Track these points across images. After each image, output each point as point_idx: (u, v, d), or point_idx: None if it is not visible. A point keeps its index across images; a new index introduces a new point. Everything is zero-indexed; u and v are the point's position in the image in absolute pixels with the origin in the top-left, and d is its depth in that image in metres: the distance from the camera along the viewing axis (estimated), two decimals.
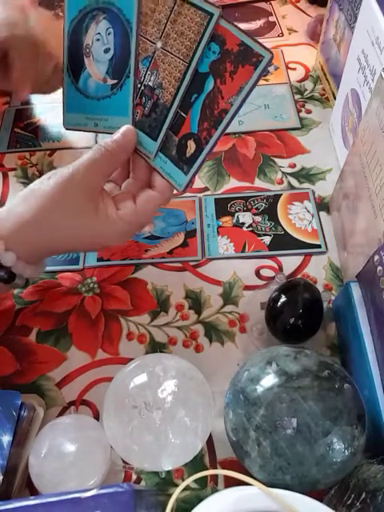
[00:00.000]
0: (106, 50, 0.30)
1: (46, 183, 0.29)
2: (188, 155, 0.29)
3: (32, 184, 0.30)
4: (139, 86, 0.30)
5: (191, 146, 0.28)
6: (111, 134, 0.31)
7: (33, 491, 0.29)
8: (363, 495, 0.24)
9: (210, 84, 0.27)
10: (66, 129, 0.34)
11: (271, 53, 0.24)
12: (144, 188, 0.31)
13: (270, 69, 0.51)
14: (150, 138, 0.30)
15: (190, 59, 0.27)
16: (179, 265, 0.38)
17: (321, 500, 0.23)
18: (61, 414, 0.32)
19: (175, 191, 0.31)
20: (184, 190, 0.30)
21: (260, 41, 0.25)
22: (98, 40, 0.30)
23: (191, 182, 0.29)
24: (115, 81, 0.31)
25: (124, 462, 0.29)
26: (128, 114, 0.31)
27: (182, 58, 0.27)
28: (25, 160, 0.46)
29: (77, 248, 0.34)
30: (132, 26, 0.29)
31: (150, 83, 0.29)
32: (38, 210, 0.28)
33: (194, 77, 0.27)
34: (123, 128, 0.30)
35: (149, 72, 0.29)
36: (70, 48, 0.31)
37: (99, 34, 0.30)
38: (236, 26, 0.25)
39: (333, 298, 0.34)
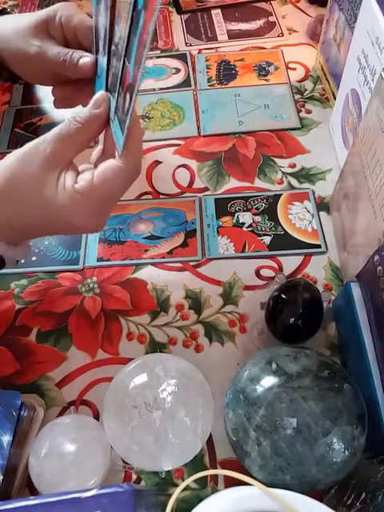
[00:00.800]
0: (103, 27, 0.28)
1: (10, 157, 0.28)
2: (125, 110, 0.25)
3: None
4: (112, 46, 0.26)
5: (127, 98, 0.24)
6: None
7: (33, 491, 0.29)
8: (363, 495, 0.24)
9: (141, 19, 0.22)
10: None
11: None
12: None
13: (270, 69, 0.51)
14: (114, 99, 0.27)
15: None
16: (179, 265, 0.38)
17: (321, 500, 0.23)
18: (61, 414, 0.32)
19: (117, 155, 0.27)
20: (121, 152, 0.26)
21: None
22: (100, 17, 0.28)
23: (126, 140, 0.26)
24: (103, 52, 0.28)
25: (124, 461, 0.29)
26: (102, 85, 0.28)
27: None
28: None
29: (45, 228, 0.30)
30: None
31: (116, 39, 0.26)
32: (3, 183, 0.27)
33: (134, 15, 0.23)
34: (95, 96, 0.28)
35: (116, 27, 0.26)
36: (95, 27, 0.30)
37: (100, 11, 0.28)
38: None
39: (333, 297, 0.34)
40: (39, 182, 0.27)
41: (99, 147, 0.31)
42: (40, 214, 0.28)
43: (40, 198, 0.27)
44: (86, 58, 0.34)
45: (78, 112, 0.28)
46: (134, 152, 0.27)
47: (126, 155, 0.27)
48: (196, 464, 0.29)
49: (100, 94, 0.28)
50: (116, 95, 0.26)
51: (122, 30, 0.25)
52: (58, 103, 0.38)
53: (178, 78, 0.51)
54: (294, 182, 0.42)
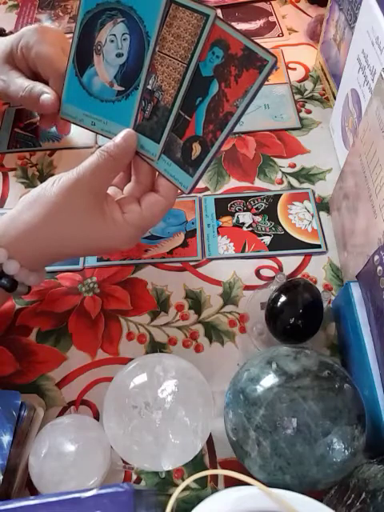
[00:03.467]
0: (119, 55, 0.30)
1: (50, 189, 0.29)
2: (194, 157, 0.29)
3: (35, 189, 0.29)
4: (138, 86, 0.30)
5: (196, 148, 0.29)
6: (108, 137, 0.31)
7: (33, 491, 0.29)
8: (363, 495, 0.24)
9: (214, 87, 0.27)
10: (62, 118, 0.34)
11: (275, 57, 0.25)
12: (147, 192, 0.31)
13: None
14: (152, 140, 0.30)
15: (189, 61, 0.27)
16: (179, 265, 0.38)
17: (321, 500, 0.23)
18: (61, 414, 0.32)
19: (180, 191, 0.31)
20: (190, 191, 0.30)
21: (261, 43, 0.25)
22: (111, 41, 0.30)
23: (197, 183, 0.30)
24: (122, 88, 0.30)
25: (124, 462, 0.29)
26: (129, 124, 0.31)
27: (180, 59, 0.28)
28: (25, 160, 0.46)
29: (83, 253, 0.34)
30: (150, 40, 0.28)
31: (149, 86, 0.29)
32: (43, 217, 0.28)
33: (197, 80, 0.28)
34: (124, 132, 0.30)
35: (148, 75, 0.29)
36: (80, 40, 0.31)
37: (114, 35, 0.30)
38: (239, 31, 0.26)
39: (333, 297, 0.34)
40: (85, 219, 0.29)
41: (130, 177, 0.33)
42: (83, 247, 0.31)
43: (86, 233, 0.30)
44: (46, 95, 0.34)
45: (108, 145, 0.30)
46: (175, 189, 0.31)
47: (171, 191, 0.31)
48: (196, 464, 0.29)
49: (128, 130, 0.30)
50: (163, 136, 0.30)
51: (162, 81, 0.29)
52: (44, 125, 0.39)
53: None
54: (294, 182, 0.42)
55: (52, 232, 0.29)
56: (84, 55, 0.31)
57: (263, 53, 0.25)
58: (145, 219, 0.31)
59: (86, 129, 0.34)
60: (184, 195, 0.41)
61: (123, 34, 0.29)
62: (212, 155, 0.28)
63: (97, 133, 0.33)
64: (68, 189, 0.28)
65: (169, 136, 0.30)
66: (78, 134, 0.46)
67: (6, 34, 0.43)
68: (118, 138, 0.30)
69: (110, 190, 0.32)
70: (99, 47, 0.30)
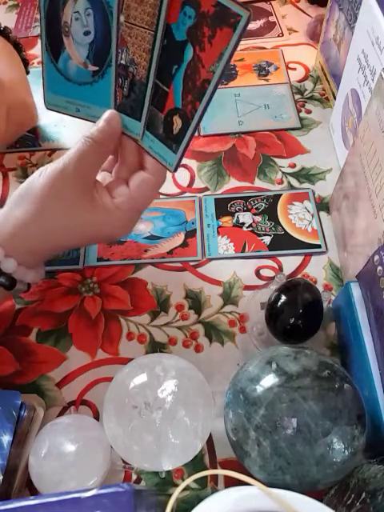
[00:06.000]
0: (86, 33, 0.28)
1: (37, 181, 0.28)
2: (175, 132, 0.27)
3: (24, 183, 0.29)
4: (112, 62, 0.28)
5: (177, 121, 0.27)
6: (93, 121, 0.30)
7: (33, 491, 0.29)
8: (363, 495, 0.24)
9: (189, 52, 0.24)
10: (48, 109, 0.32)
11: (249, 11, 0.22)
12: (135, 171, 0.30)
13: (270, 69, 0.51)
14: (134, 118, 0.29)
15: (156, 26, 0.25)
16: (179, 265, 0.38)
17: (321, 500, 0.23)
18: (61, 414, 0.32)
19: (168, 171, 0.29)
20: (175, 169, 0.28)
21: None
22: (77, 19, 0.28)
23: (181, 159, 0.28)
24: (96, 68, 0.29)
25: (124, 461, 0.29)
26: (110, 104, 0.29)
27: (147, 27, 0.25)
28: (25, 160, 0.46)
29: (79, 243, 0.32)
30: (112, 10, 0.26)
31: (123, 61, 0.27)
32: (33, 211, 0.28)
33: (172, 46, 0.25)
34: (106, 114, 0.29)
35: (119, 50, 0.27)
36: (47, 23, 0.29)
37: (77, 13, 0.27)
38: None
39: (333, 297, 0.34)
40: (75, 208, 0.28)
41: (110, 157, 0.31)
42: (78, 237, 0.30)
43: (79, 222, 0.29)
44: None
45: (91, 130, 0.28)
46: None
47: (158, 168, 0.29)
48: (196, 464, 0.29)
49: (111, 112, 0.29)
50: (143, 113, 0.28)
51: (134, 54, 0.26)
52: None
53: None
54: (294, 182, 0.42)
55: (44, 225, 0.28)
56: (55, 39, 0.29)
57: (236, 7, 0.22)
58: (135, 201, 0.29)
59: (73, 116, 0.32)
60: (184, 196, 0.40)
61: (86, 10, 0.27)
62: (193, 129, 0.26)
63: (83, 119, 0.31)
64: (54, 179, 0.27)
65: (149, 111, 0.28)
66: (76, 134, 0.46)
67: (9, 33, 0.43)
68: (101, 122, 0.29)
69: (100, 176, 0.31)
70: (66, 28, 0.28)
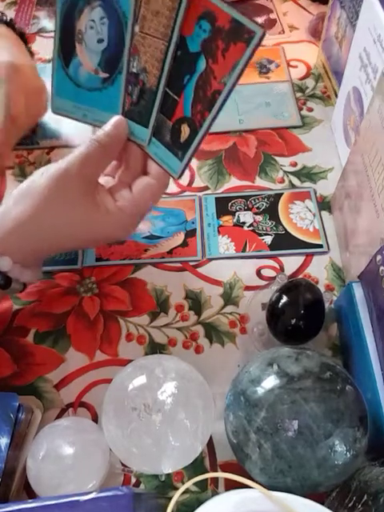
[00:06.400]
0: (100, 41, 0.29)
1: (39, 181, 0.28)
2: (182, 140, 0.28)
3: (25, 182, 0.29)
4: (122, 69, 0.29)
5: (185, 130, 0.27)
6: (99, 127, 0.30)
7: (31, 494, 0.28)
8: (365, 498, 0.24)
9: (201, 64, 0.26)
10: (55, 113, 0.33)
11: (263, 28, 0.23)
12: (139, 177, 0.30)
13: (271, 66, 0.51)
14: (141, 125, 0.29)
15: (169, 37, 0.26)
16: (179, 265, 0.38)
17: (322, 503, 0.23)
18: (59, 416, 0.31)
19: (171, 177, 0.30)
20: (179, 176, 0.29)
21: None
22: (91, 28, 0.29)
23: (186, 167, 0.28)
24: (107, 75, 0.30)
25: (123, 464, 0.29)
26: (118, 110, 0.30)
27: (160, 37, 0.26)
28: (23, 158, 0.45)
29: (78, 246, 0.33)
30: (127, 20, 0.27)
31: (134, 69, 0.28)
32: (34, 210, 0.27)
33: (185, 57, 0.26)
34: (114, 119, 0.29)
35: (130, 58, 0.28)
36: (62, 30, 0.30)
37: (93, 21, 0.29)
38: (226, 2, 0.24)
39: (335, 298, 0.34)
40: (77, 209, 0.28)
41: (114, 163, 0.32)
42: (77, 238, 0.30)
43: (79, 224, 0.29)
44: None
45: (98, 133, 0.29)
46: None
47: (162, 174, 0.29)
48: (196, 467, 0.29)
49: (119, 118, 0.30)
50: (151, 120, 0.29)
51: (146, 62, 0.27)
52: None
53: None
54: (296, 181, 0.42)
55: (43, 226, 0.28)
56: (67, 46, 0.30)
57: (251, 24, 0.23)
58: (138, 205, 0.30)
59: (79, 121, 0.33)
60: (184, 195, 0.40)
61: (101, 19, 0.28)
62: (200, 137, 0.27)
63: (90, 124, 0.32)
64: (57, 180, 0.27)
65: (158, 118, 0.29)
66: (75, 132, 0.46)
67: (14, 24, 0.42)
68: (108, 126, 0.29)
69: (103, 180, 0.31)
70: (80, 36, 0.30)
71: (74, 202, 0.28)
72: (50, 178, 0.28)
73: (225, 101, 0.26)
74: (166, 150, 0.29)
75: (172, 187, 0.42)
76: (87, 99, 0.31)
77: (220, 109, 0.26)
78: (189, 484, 0.23)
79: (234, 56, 0.24)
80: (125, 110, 0.30)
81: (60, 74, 0.31)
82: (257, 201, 0.41)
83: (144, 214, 0.31)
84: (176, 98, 0.27)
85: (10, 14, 0.59)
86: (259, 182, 0.42)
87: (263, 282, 0.36)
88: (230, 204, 0.41)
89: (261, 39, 0.23)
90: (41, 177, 0.28)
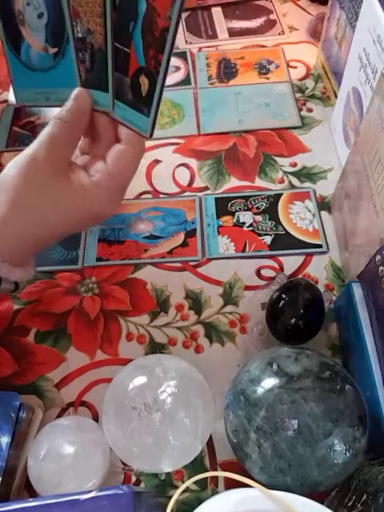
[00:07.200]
0: (40, 15, 0.28)
1: (9, 173, 0.27)
2: (144, 93, 0.26)
3: None
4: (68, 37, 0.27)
5: (144, 82, 0.26)
6: None
7: (31, 493, 0.28)
8: (364, 497, 0.24)
9: (142, 5, 0.24)
10: (20, 106, 0.32)
11: None
12: (112, 146, 0.29)
13: (271, 67, 0.51)
14: (102, 91, 0.28)
15: None
16: (179, 265, 0.38)
17: (322, 502, 0.23)
18: (59, 415, 0.31)
19: (142, 137, 0.28)
20: (151, 134, 0.27)
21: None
22: (28, 4, 0.28)
23: (155, 123, 0.27)
24: (56, 49, 0.28)
25: (123, 463, 0.29)
26: (76, 83, 0.29)
27: None
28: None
29: (66, 231, 0.30)
30: None
31: (79, 34, 0.27)
32: (9, 204, 0.26)
33: (125, 3, 0.25)
34: (74, 93, 0.28)
35: (73, 23, 0.27)
36: (3, 17, 0.29)
37: None
38: None
39: (334, 298, 0.34)
40: (52, 193, 0.27)
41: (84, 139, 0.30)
42: (62, 223, 0.28)
43: (59, 207, 0.27)
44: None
45: (60, 111, 0.27)
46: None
47: (134, 137, 0.28)
48: (196, 466, 0.29)
49: (78, 90, 0.28)
50: (109, 82, 0.27)
51: (88, 22, 0.26)
52: None
53: (177, 77, 0.51)
54: (295, 182, 0.42)
55: (22, 218, 0.27)
56: (12, 32, 0.29)
57: None
58: (114, 175, 0.28)
59: (47, 107, 0.32)
60: (184, 195, 0.40)
61: None
62: (160, 85, 0.25)
63: (57, 107, 0.30)
64: (25, 168, 0.26)
65: (115, 78, 0.27)
66: None
67: None
68: (69, 101, 0.28)
69: (81, 160, 0.30)
70: (21, 16, 0.28)
71: (47, 187, 0.27)
72: (19, 168, 0.27)
73: (174, 36, 0.24)
74: (131, 109, 0.27)
75: (172, 187, 0.42)
76: (45, 81, 0.30)
77: (172, 47, 0.24)
78: (189, 483, 0.23)
79: None
80: (82, 80, 0.28)
81: (14, 63, 0.30)
82: (256, 201, 0.41)
83: (124, 183, 0.29)
84: (127, 49, 0.26)
85: None
86: (259, 182, 0.42)
87: (263, 282, 0.36)
88: (229, 204, 0.41)
89: None
90: (10, 169, 0.27)
